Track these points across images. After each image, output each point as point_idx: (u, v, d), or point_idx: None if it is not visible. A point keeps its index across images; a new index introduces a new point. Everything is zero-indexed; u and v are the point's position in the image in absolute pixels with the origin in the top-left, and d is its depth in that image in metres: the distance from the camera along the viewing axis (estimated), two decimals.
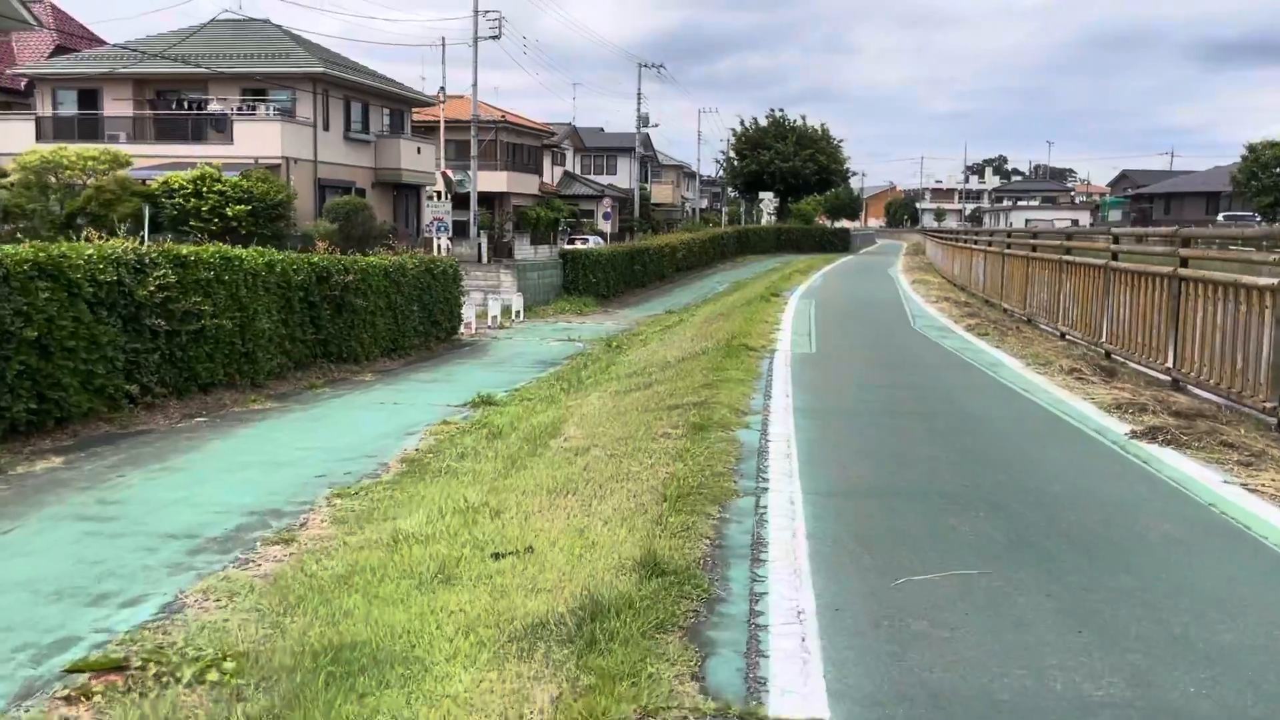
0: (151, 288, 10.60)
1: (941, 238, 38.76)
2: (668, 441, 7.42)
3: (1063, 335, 15.18)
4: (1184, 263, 10.50)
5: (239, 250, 12.99)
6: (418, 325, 19.46)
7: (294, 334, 14.33)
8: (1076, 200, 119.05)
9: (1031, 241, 17.89)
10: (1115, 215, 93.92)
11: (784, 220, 75.95)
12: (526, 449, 8.29)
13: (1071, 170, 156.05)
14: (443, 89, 36.26)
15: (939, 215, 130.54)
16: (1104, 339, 13.02)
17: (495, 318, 27.20)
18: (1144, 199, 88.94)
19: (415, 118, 46.76)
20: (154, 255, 10.87)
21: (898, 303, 22.57)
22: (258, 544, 6.17)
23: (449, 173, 33.55)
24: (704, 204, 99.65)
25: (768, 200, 75.59)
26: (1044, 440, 7.87)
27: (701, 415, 8.24)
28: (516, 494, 6.39)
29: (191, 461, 8.70)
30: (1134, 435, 7.94)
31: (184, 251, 11.49)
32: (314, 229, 36.69)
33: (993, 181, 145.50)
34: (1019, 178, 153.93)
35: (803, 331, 15.67)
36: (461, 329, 24.14)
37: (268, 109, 39.65)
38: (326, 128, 40.94)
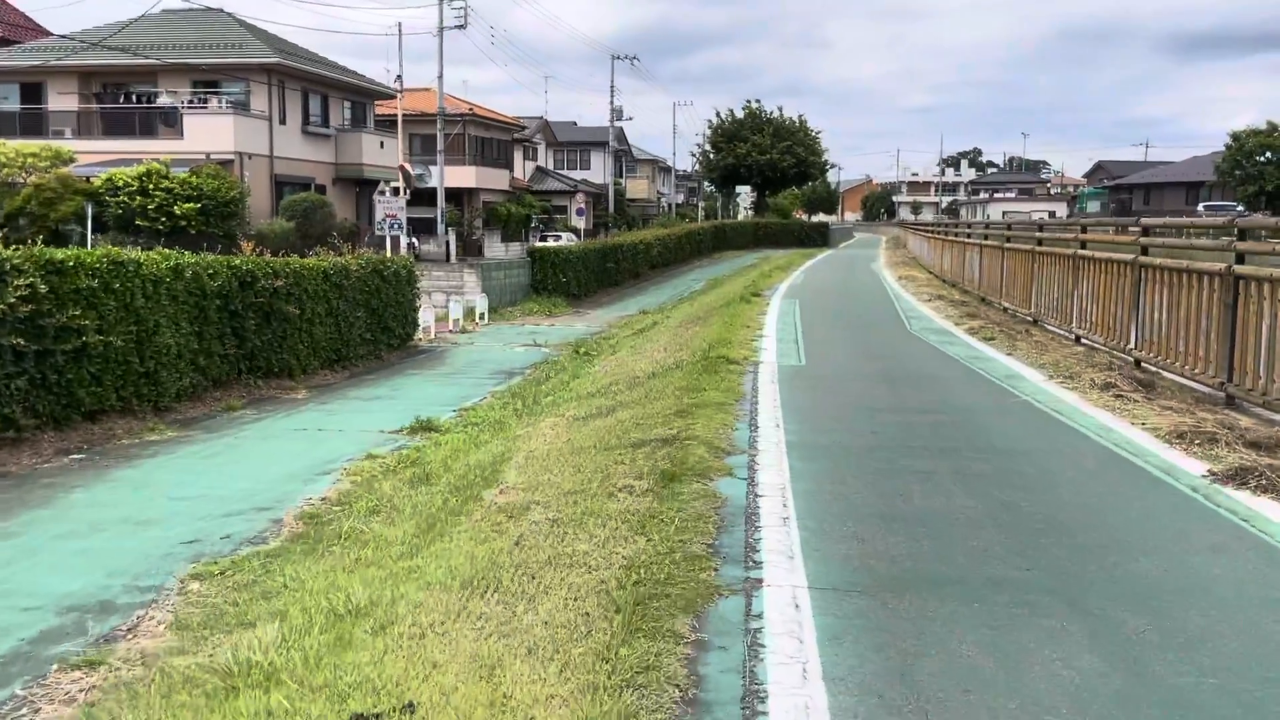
0: (11, 300, 8.79)
1: (927, 231, 37.23)
2: (629, 499, 5.72)
3: (1078, 339, 13.58)
4: (1240, 258, 8.90)
5: (135, 253, 11.19)
6: (365, 333, 17.69)
7: (210, 348, 12.54)
8: (1053, 192, 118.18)
9: (1038, 235, 16.28)
10: (1093, 206, 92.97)
11: (761, 215, 74.36)
12: (454, 503, 6.58)
13: (1045, 162, 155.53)
14: (399, 77, 34.37)
15: (915, 208, 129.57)
16: (1132, 345, 11.42)
17: (457, 321, 25.42)
18: (1123, 189, 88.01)
19: (379, 111, 44.91)
20: (16, 261, 9.06)
21: (888, 302, 20.95)
22: (51, 669, 4.42)
23: (407, 166, 31.65)
24: (680, 199, 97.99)
25: (745, 194, 74.11)
26: (1105, 487, 6.22)
27: (673, 458, 6.55)
28: (418, 587, 4.67)
29: (33, 521, 6.92)
30: (1215, 478, 6.32)
31: (59, 257, 9.67)
32: (269, 228, 34.85)
33: (968, 174, 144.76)
34: (994, 170, 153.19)
35: (788, 338, 14.00)
36: (419, 334, 22.38)
37: (220, 102, 37.71)
38: (283, 121, 39.03)
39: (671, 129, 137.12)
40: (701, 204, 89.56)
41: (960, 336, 14.40)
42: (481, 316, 27.16)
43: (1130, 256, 11.49)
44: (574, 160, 75.40)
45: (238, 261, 13.53)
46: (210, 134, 36.30)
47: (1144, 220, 11.45)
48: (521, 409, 11.24)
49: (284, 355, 14.51)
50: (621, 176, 77.93)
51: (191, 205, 31.94)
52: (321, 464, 8.90)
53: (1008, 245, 18.35)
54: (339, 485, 8.00)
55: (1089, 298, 13.10)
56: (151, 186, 32.00)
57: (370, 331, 17.99)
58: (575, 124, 79.94)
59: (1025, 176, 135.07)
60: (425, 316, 22.90)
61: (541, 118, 70.90)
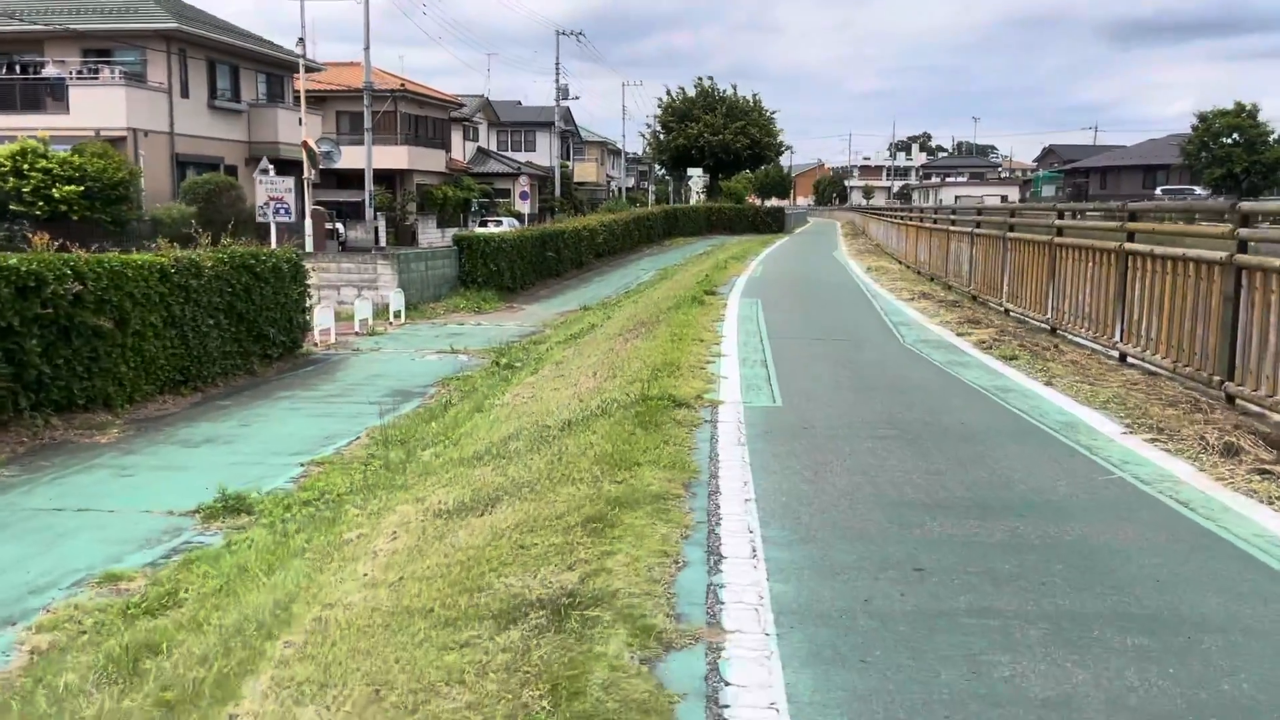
0: None
1: (895, 216, 34.22)
2: None
3: (1124, 358, 10.57)
4: None
5: None
6: (227, 344, 14.22)
7: None
8: (1003, 176, 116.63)
9: (1057, 223, 13.23)
10: (1048, 190, 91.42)
11: (714, 199, 71.18)
12: None
13: (993, 146, 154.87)
14: (301, 40, 30.50)
15: (867, 192, 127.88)
16: (1217, 373, 8.41)
17: (365, 321, 21.96)
18: (1078, 173, 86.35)
19: (306, 87, 41.11)
20: None
21: (865, 302, 17.85)
22: None
23: (311, 143, 27.95)
24: (630, 183, 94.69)
25: (697, 177, 70.90)
26: None
27: (556, 674, 3.33)
28: None
29: None
30: None
31: None
32: (165, 212, 31.15)
33: (919, 158, 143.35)
34: (944, 154, 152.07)
35: (754, 359, 10.80)
36: (317, 338, 18.97)
37: (112, 72, 33.71)
38: (186, 95, 35.17)
39: (621, 111, 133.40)
40: (652, 188, 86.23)
41: (971, 354, 11.31)
42: (397, 315, 23.71)
43: (1221, 255, 8.45)
44: (518, 141, 71.73)
45: (14, 261, 10.03)
46: (100, 108, 32.49)
47: (1243, 205, 8.38)
48: (382, 471, 7.93)
49: (95, 381, 11.06)
50: (568, 159, 74.44)
51: (73, 188, 28.33)
52: (22, 595, 5.54)
53: (1010, 235, 15.31)
54: (8, 661, 4.66)
55: (1146, 306, 10.04)
56: (26, 167, 28.40)
57: (237, 342, 14.55)
58: (519, 104, 76.22)
59: (976, 161, 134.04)
60: (323, 317, 19.47)
61: (483, 96, 67.06)
